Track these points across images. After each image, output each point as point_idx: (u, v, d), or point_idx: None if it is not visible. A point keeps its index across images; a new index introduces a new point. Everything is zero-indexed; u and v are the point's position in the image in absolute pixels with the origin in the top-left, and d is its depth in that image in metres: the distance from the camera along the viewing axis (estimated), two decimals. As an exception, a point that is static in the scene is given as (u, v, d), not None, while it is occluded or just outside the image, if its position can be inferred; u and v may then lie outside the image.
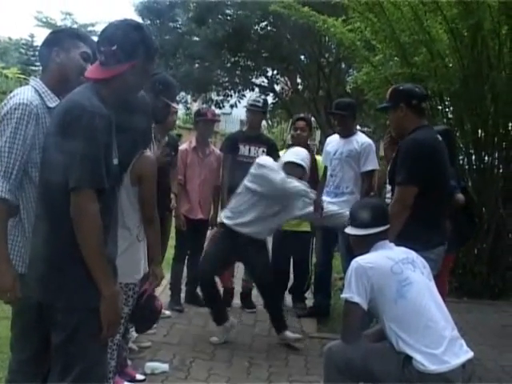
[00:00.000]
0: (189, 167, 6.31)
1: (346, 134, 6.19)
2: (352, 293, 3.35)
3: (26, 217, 2.94)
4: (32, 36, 34.22)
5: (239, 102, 19.56)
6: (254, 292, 6.71)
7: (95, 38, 2.85)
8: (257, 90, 19.10)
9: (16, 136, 2.92)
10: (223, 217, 5.46)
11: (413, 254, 3.53)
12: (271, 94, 19.90)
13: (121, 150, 2.84)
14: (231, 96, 20.03)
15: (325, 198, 6.17)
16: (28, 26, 75.08)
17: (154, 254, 3.94)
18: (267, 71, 19.70)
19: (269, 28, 18.22)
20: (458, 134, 7.80)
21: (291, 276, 6.78)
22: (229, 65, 18.88)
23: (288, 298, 6.74)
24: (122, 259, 3.33)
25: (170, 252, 6.29)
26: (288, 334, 5.47)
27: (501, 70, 7.26)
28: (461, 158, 7.76)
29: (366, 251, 3.51)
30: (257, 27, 18.16)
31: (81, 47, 3.10)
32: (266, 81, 20.15)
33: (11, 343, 2.96)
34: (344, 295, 3.41)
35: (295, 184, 5.18)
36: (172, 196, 5.65)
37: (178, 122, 16.81)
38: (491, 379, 4.88)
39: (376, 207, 3.72)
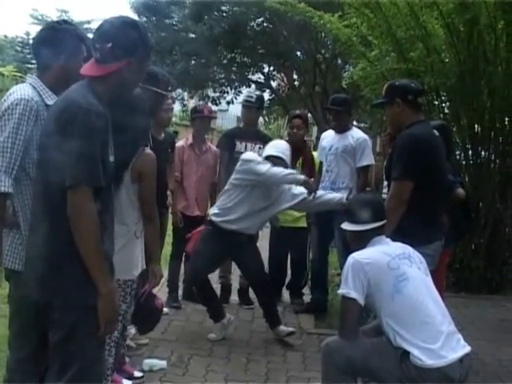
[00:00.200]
0: (185, 164, 6.31)
1: (342, 129, 6.20)
2: (349, 288, 3.35)
3: (21, 214, 2.95)
4: (28, 34, 34.13)
5: (236, 98, 19.54)
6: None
7: (91, 36, 2.85)
8: (253, 86, 19.09)
9: (18, 131, 2.92)
10: (211, 214, 5.45)
11: (409, 249, 3.53)
12: (268, 91, 19.88)
13: (122, 148, 2.85)
14: (228, 93, 20.01)
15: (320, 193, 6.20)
16: (23, 24, 74.98)
17: (152, 251, 3.95)
18: (263, 67, 19.68)
19: (265, 24, 18.20)
20: (454, 129, 7.81)
21: (289, 272, 6.79)
22: (225, 61, 18.87)
23: (286, 294, 6.74)
24: (119, 256, 3.34)
25: (167, 249, 6.28)
26: (281, 328, 5.46)
27: (497, 64, 7.26)
28: (457, 152, 7.76)
29: (363, 247, 3.51)
30: (253, 24, 18.15)
31: (84, 51, 3.10)
32: (262, 77, 20.14)
33: (9, 341, 2.97)
34: (341, 291, 3.41)
35: (281, 170, 5.15)
36: (168, 193, 5.65)
37: (174, 119, 16.82)
38: (489, 373, 4.89)
39: (372, 203, 3.72)
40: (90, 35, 2.90)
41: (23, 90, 3.03)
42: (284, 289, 6.74)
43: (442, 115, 7.84)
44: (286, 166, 5.24)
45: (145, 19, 18.65)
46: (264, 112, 19.48)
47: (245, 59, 19.15)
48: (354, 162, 6.10)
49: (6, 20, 67.89)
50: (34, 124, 2.95)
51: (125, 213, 3.66)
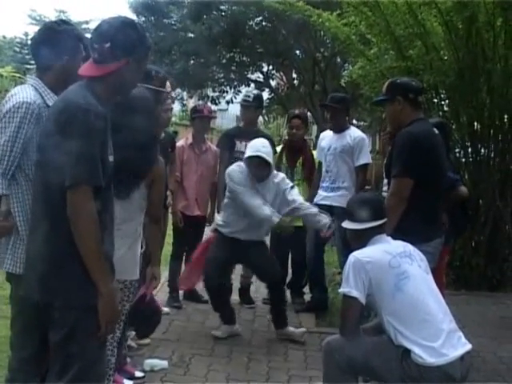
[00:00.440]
0: (185, 164, 6.30)
1: (339, 128, 6.21)
2: (350, 287, 3.35)
3: (20, 214, 2.96)
4: (26, 34, 34.18)
5: (235, 97, 19.57)
6: (253, 288, 6.73)
7: (89, 36, 2.85)
8: (252, 85, 19.09)
9: (18, 135, 2.94)
10: (218, 225, 5.45)
11: (410, 248, 3.53)
12: (267, 90, 19.90)
13: (137, 152, 3.13)
14: (227, 92, 20.04)
15: (321, 192, 6.21)
16: (22, 25, 75.00)
17: (154, 253, 3.95)
18: (263, 67, 19.70)
19: (264, 23, 18.23)
20: (453, 127, 7.81)
21: (289, 271, 6.79)
22: (224, 61, 18.89)
23: (286, 294, 6.73)
24: (128, 256, 3.36)
25: (168, 249, 6.28)
26: (291, 329, 5.48)
27: (496, 62, 7.26)
28: (457, 150, 7.77)
29: (363, 245, 3.51)
30: (252, 23, 18.17)
31: (82, 50, 3.11)
32: (261, 76, 20.16)
33: (11, 342, 2.97)
34: (342, 290, 3.41)
35: (253, 203, 5.16)
36: (168, 193, 5.64)
37: (174, 119, 16.82)
38: (489, 370, 4.90)
39: (373, 201, 3.72)
40: (89, 35, 2.91)
41: (25, 93, 3.03)
42: (285, 288, 6.73)
43: (441, 113, 7.84)
44: (266, 163, 5.20)
45: (143, 19, 18.67)
46: (263, 111, 19.48)
47: (244, 58, 19.17)
48: (352, 162, 6.12)
49: (4, 20, 68.03)
50: (34, 127, 2.96)
51: (134, 214, 3.65)
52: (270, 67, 20.01)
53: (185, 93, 21.47)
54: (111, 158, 2.68)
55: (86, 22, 31.55)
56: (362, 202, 3.68)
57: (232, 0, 17.10)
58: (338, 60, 17.73)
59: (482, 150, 7.75)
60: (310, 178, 6.53)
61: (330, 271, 7.34)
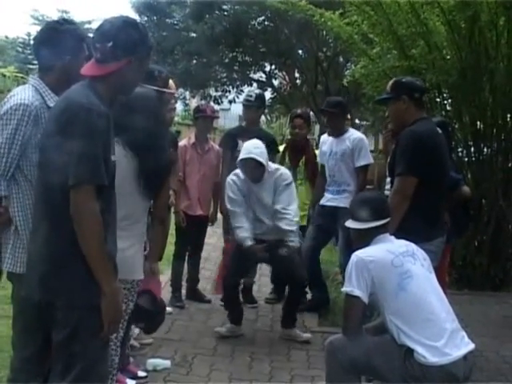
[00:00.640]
0: (188, 163, 6.30)
1: (337, 133, 6.21)
2: (353, 286, 3.35)
3: (20, 214, 2.96)
4: (29, 34, 34.25)
5: (237, 97, 19.58)
6: (255, 287, 6.73)
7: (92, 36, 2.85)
8: (255, 85, 19.10)
9: (15, 136, 2.95)
10: (243, 241, 5.33)
11: (413, 247, 3.52)
12: (269, 89, 19.90)
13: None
14: (229, 92, 20.06)
15: (327, 195, 6.22)
16: (24, 25, 75.10)
17: (157, 251, 3.96)
18: (265, 66, 19.71)
19: (266, 23, 18.23)
20: (456, 126, 7.81)
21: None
22: (227, 60, 18.90)
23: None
24: (137, 256, 3.39)
25: (170, 249, 6.28)
26: (297, 332, 5.48)
27: (499, 61, 7.25)
28: (460, 149, 7.77)
29: (367, 245, 3.50)
30: (254, 22, 18.18)
31: (85, 50, 3.11)
32: (264, 76, 20.17)
33: (13, 341, 2.96)
34: (345, 289, 3.41)
35: (235, 221, 5.36)
36: (171, 192, 5.64)
37: (176, 119, 16.82)
38: (492, 370, 4.89)
39: (376, 201, 3.72)
40: (91, 35, 2.91)
41: (24, 94, 3.03)
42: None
43: (443, 112, 7.83)
44: (259, 164, 5.20)
45: (146, 19, 18.68)
46: (266, 111, 19.48)
47: (246, 58, 19.18)
48: (353, 164, 6.14)
49: (6, 21, 68.14)
50: (32, 128, 2.96)
51: (142, 215, 3.65)
52: (273, 67, 20.02)
53: (187, 92, 21.48)
54: (114, 158, 2.68)
55: (89, 22, 31.60)
56: (366, 202, 3.68)
57: (234, 0, 17.11)
58: (341, 59, 17.72)
59: (485, 150, 7.74)
60: (313, 177, 6.54)
61: (332, 270, 7.33)
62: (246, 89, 18.67)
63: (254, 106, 6.40)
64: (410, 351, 3.24)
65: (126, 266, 3.19)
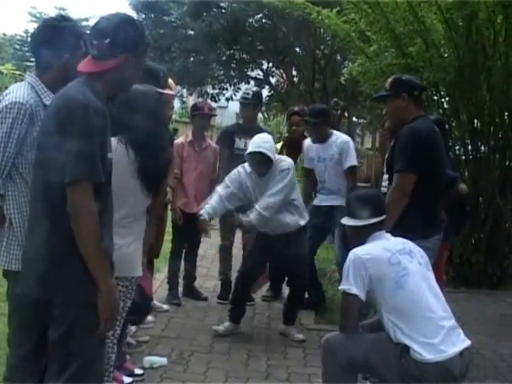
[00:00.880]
0: (185, 161, 6.29)
1: (322, 139, 6.21)
2: (350, 284, 3.35)
3: (16, 212, 2.96)
4: (26, 32, 34.10)
5: (235, 95, 19.57)
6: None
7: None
8: (252, 82, 19.09)
9: (10, 135, 2.94)
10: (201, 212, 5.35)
11: (410, 244, 3.52)
12: (267, 87, 19.90)
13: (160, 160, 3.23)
14: (227, 89, 20.05)
15: (321, 196, 6.26)
16: (22, 22, 75.00)
17: (152, 247, 3.97)
18: (262, 64, 19.70)
19: (264, 21, 18.23)
20: (453, 124, 7.82)
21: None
22: (224, 58, 18.88)
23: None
24: (136, 253, 3.40)
25: (167, 246, 6.28)
26: (293, 332, 5.48)
27: (496, 59, 7.26)
28: (457, 147, 7.77)
29: (363, 242, 3.50)
30: (252, 20, 18.17)
31: (83, 47, 3.10)
32: (261, 73, 20.16)
33: (9, 339, 2.96)
34: (342, 287, 3.41)
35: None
36: (168, 190, 5.63)
37: (173, 116, 16.80)
38: (489, 368, 4.90)
39: (372, 198, 3.71)
40: (88, 32, 2.90)
41: (19, 92, 3.02)
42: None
43: (441, 110, 7.84)
44: (268, 159, 5.15)
45: (143, 16, 18.65)
46: (263, 108, 19.48)
47: (244, 56, 19.17)
48: (342, 167, 6.16)
49: (4, 18, 67.96)
50: (27, 127, 2.96)
51: (142, 213, 3.65)
52: (270, 64, 20.01)
53: (184, 90, 21.47)
54: (110, 155, 2.68)
55: (86, 20, 31.49)
56: (362, 199, 3.68)
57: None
58: (338, 57, 17.73)
59: (482, 148, 7.75)
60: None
61: (330, 268, 7.33)
62: (243, 86, 18.64)
63: (251, 104, 6.40)
64: (406, 348, 3.24)
65: (125, 263, 3.19)
